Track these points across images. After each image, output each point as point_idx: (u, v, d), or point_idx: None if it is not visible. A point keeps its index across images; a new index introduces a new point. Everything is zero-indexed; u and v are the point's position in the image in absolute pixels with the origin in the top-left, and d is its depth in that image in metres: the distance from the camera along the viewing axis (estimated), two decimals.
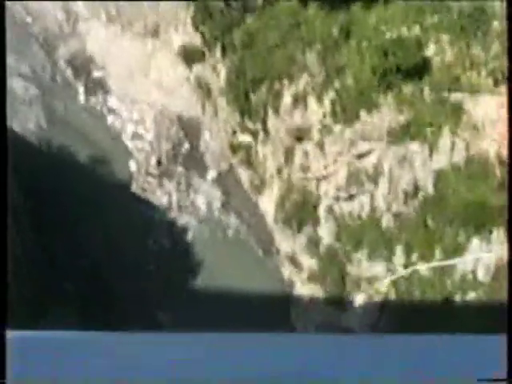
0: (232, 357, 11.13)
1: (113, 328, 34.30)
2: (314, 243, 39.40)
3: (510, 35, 27.26)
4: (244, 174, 43.46)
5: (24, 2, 42.32)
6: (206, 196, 43.85)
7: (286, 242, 41.35)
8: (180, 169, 44.55)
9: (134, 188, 43.87)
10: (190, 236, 43.19)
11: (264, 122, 40.17)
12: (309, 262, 40.03)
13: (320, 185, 39.29)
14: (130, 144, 44.75)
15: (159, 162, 44.35)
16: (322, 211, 39.11)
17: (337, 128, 37.12)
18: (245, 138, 42.67)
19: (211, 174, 44.31)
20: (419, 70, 33.81)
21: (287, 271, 41.95)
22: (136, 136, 44.84)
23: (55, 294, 38.85)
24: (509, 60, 28.82)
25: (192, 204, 43.99)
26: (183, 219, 43.69)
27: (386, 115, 34.85)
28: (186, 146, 44.86)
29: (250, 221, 43.52)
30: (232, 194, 43.98)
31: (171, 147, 44.58)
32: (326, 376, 9.92)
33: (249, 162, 42.90)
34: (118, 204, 43.40)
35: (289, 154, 40.05)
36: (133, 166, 44.46)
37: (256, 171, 42.78)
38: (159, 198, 43.90)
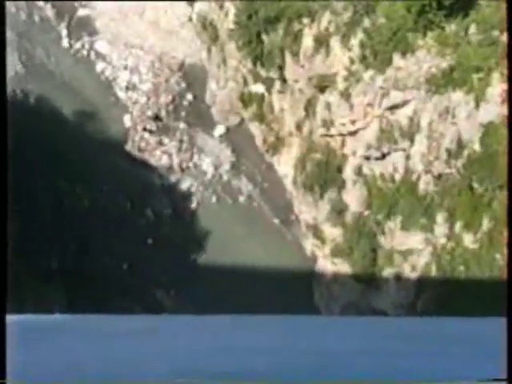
0: (243, 343, 11.16)
1: (104, 310, 34.46)
2: (339, 211, 39.24)
3: (510, 35, 28.67)
4: (257, 131, 43.23)
5: None
6: (212, 156, 43.89)
7: (306, 210, 41.23)
8: (182, 125, 44.48)
9: (129, 147, 43.86)
10: (194, 203, 43.26)
11: (280, 70, 40.12)
12: (333, 233, 39.97)
13: (346, 142, 39.00)
14: (123, 96, 44.51)
15: (158, 117, 44.27)
16: (348, 173, 38.94)
17: (366, 75, 36.46)
18: (258, 89, 42.57)
19: (218, 131, 44.28)
20: (464, 6, 33.00)
21: (308, 243, 42.04)
22: (130, 86, 44.60)
23: (41, 273, 38.98)
24: (509, 60, 30.02)
25: (196, 165, 44.05)
26: (186, 183, 43.78)
27: (425, 59, 34.17)
28: (189, 97, 44.72)
29: (265, 185, 43.60)
30: (243, 154, 43.97)
31: (171, 99, 44.46)
32: (352, 363, 10.00)
33: (263, 117, 42.73)
34: (110, 166, 43.29)
35: (310, 107, 39.62)
36: (127, 121, 44.28)
37: (271, 127, 42.62)
38: (158, 158, 43.90)
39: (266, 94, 42.02)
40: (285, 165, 42.37)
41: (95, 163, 42.82)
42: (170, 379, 9.51)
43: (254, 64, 41.47)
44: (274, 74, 41.16)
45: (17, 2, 43.06)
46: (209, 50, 43.53)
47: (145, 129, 43.61)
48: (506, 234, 31.62)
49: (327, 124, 39.07)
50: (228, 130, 44.10)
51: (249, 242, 41.08)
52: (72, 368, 9.87)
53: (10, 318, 10.67)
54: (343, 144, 39.15)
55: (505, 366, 9.45)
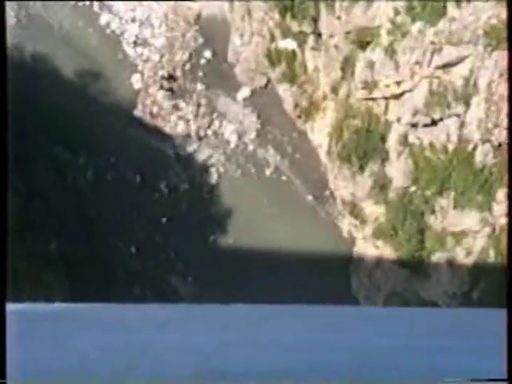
0: (271, 337, 11.13)
1: (111, 298, 34.60)
2: (381, 186, 39.17)
3: (511, 35, 29.70)
4: (287, 93, 43.17)
5: None
6: (235, 123, 43.92)
7: (343, 185, 41.18)
8: (200, 86, 44.47)
9: (139, 112, 43.95)
10: (214, 177, 43.37)
11: (314, 23, 40.21)
12: (374, 212, 39.94)
13: (390, 107, 38.75)
14: (132, 53, 44.68)
15: (172, 77, 44.26)
16: (392, 142, 38.68)
17: (414, 28, 36.07)
18: (288, 45, 42.61)
19: (242, 93, 44.24)
20: None
21: (346, 224, 42.12)
22: (140, 42, 44.73)
23: (39, 256, 39.28)
24: (509, 60, 30.93)
25: (217, 133, 44.09)
26: (205, 154, 43.90)
27: (483, 9, 33.65)
28: (208, 55, 44.77)
29: (295, 156, 43.61)
30: (270, 120, 43.90)
31: (188, 57, 44.56)
32: (398, 361, 10.01)
33: (293, 77, 42.75)
34: (117, 134, 43.38)
35: (347, 66, 39.59)
36: (137, 82, 44.32)
37: (303, 89, 42.68)
38: (173, 125, 44.00)
39: (298, 51, 42.11)
40: (318, 133, 42.51)
41: (100, 131, 42.99)
42: (189, 380, 9.50)
43: (283, 16, 41.51)
44: (306, 28, 41.19)
45: None
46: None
47: (162, 87, 43.51)
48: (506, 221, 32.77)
49: (368, 85, 38.79)
50: (253, 92, 44.09)
51: (277, 221, 41.21)
52: (74, 366, 9.91)
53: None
54: (386, 109, 38.92)
55: (505, 366, 9.80)
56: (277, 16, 41.54)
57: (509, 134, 30.85)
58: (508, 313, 11.06)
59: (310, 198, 42.46)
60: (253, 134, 43.31)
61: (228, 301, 13.14)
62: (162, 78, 43.99)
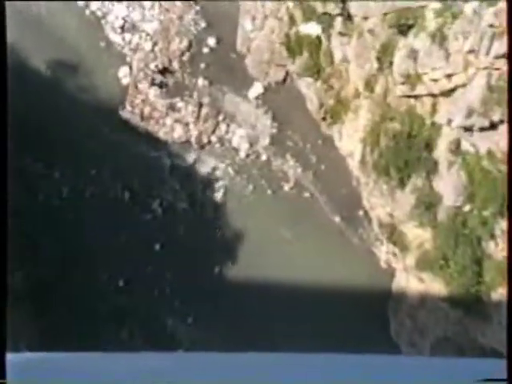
0: None
1: (95, 346, 34.57)
2: (427, 204, 38.71)
3: (511, 35, 30.04)
4: (309, 90, 43.04)
5: None
6: (246, 126, 43.90)
7: (380, 203, 40.98)
8: (202, 82, 44.33)
9: (127, 114, 43.88)
10: (219, 193, 43.29)
11: (343, 2, 40.20)
12: (419, 236, 39.47)
13: (438, 106, 38.41)
14: (118, 40, 44.78)
15: (167, 70, 44.28)
16: (441, 151, 38.30)
17: (468, 8, 35.72)
18: (311, 29, 42.57)
19: (255, 90, 44.25)
20: None
21: (383, 251, 41.85)
22: (128, 26, 44.83)
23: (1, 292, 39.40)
24: (509, 60, 32.18)
25: (223, 140, 44.09)
26: (209, 165, 43.80)
27: None
28: (211, 42, 44.72)
29: (320, 167, 43.49)
30: (289, 124, 43.75)
31: (187, 45, 44.58)
32: None
33: (317, 70, 42.65)
34: (100, 141, 43.13)
35: (385, 55, 39.44)
36: (124, 76, 44.38)
37: (329, 84, 42.56)
38: (169, 130, 43.91)
39: (323, 38, 41.96)
40: (348, 138, 42.28)
41: (79, 136, 42.89)
42: None
43: None
44: (333, 9, 41.19)
45: None
46: None
47: (154, 82, 43.43)
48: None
49: (410, 80, 38.60)
50: (268, 89, 44.11)
51: (297, 247, 40.99)
52: None
53: None
54: (433, 109, 38.58)
55: (505, 366, 11.05)
56: None
57: (509, 133, 32.00)
58: (508, 313, 12.43)
59: (337, 219, 42.41)
60: (267, 141, 43.25)
61: (237, 348, 12.98)
62: (155, 71, 44.02)
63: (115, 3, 44.48)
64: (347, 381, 11.91)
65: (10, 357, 12.36)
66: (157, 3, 44.33)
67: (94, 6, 44.51)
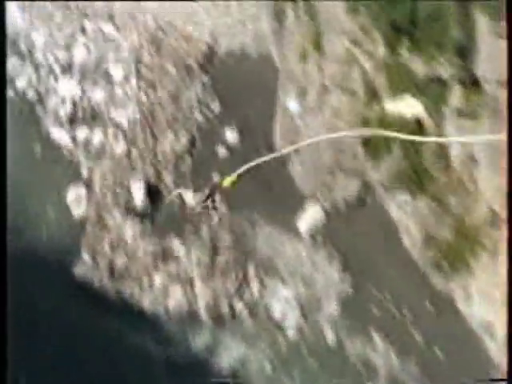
0: None
1: None
2: None
3: (511, 35, 32.82)
4: (405, 212, 33.57)
5: None
6: (295, 281, 32.80)
7: None
8: (217, 207, 33.33)
9: (84, 269, 33.00)
10: None
11: (463, 60, 32.54)
12: None
13: None
14: (64, 139, 33.85)
15: (153, 190, 34.01)
16: None
17: None
18: (406, 108, 32.65)
19: (309, 218, 33.14)
20: None
21: None
22: (84, 116, 34.64)
23: None
24: (509, 61, 29.16)
25: (256, 307, 32.43)
26: (231, 355, 32.48)
27: None
28: (231, 137, 33.78)
29: (432, 349, 31.16)
30: (369, 270, 32.61)
31: (188, 144, 34.41)
32: None
33: (418, 178, 33.35)
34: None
35: None
36: (77, 203, 33.77)
37: (443, 203, 32.40)
38: (158, 294, 32.98)
39: (427, 121, 32.81)
40: (483, 301, 31.78)
41: None
42: None
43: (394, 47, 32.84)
44: (447, 71, 32.41)
45: None
46: None
47: (130, 211, 33.80)
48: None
49: None
50: (331, 216, 33.97)
51: None
52: None
53: None
54: None
55: (505, 366, 14.99)
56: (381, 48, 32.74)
57: (509, 132, 27.45)
58: (508, 313, 15.82)
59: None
60: (334, 306, 32.53)
61: None
62: (133, 191, 34.01)
63: (59, 76, 34.85)
64: None
65: None
66: (133, 71, 34.00)
67: (22, 81, 35.14)
